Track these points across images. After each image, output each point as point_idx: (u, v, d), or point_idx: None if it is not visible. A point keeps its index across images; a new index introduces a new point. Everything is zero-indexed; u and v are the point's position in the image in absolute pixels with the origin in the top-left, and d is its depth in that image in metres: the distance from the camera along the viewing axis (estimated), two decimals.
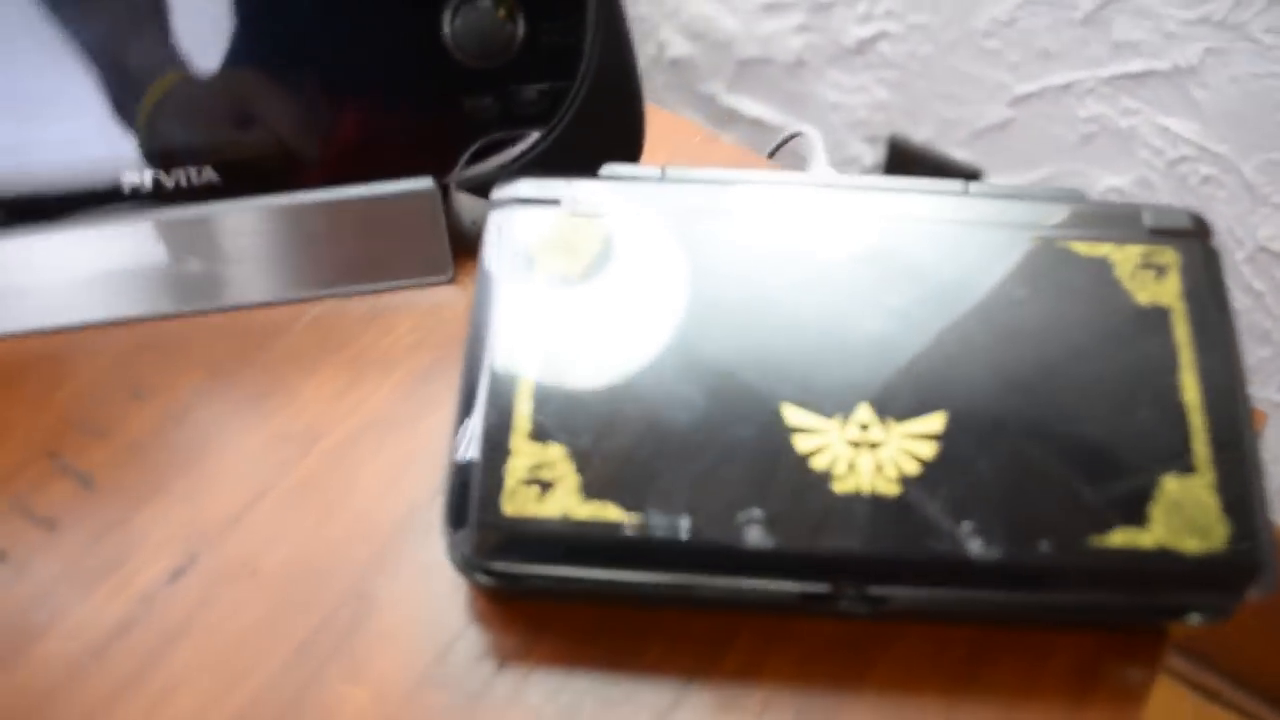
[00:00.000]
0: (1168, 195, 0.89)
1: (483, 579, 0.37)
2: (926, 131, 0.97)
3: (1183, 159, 0.86)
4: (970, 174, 0.41)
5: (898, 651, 0.38)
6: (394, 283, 0.46)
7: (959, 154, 0.95)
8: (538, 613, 0.38)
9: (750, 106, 1.06)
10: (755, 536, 0.34)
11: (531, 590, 0.38)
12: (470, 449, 0.36)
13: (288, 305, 0.46)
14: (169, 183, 0.44)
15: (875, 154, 1.01)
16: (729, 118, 1.07)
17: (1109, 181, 0.91)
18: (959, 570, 0.34)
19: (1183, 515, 0.35)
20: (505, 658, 0.38)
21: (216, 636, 0.38)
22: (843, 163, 1.03)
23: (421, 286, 0.46)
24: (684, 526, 0.35)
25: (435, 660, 0.38)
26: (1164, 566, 0.34)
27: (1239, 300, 0.92)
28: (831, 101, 1.00)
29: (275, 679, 0.37)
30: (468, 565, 0.36)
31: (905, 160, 0.96)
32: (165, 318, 0.46)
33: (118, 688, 0.37)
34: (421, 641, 0.38)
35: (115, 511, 0.41)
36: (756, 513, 0.35)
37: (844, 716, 0.37)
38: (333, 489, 0.41)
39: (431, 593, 0.39)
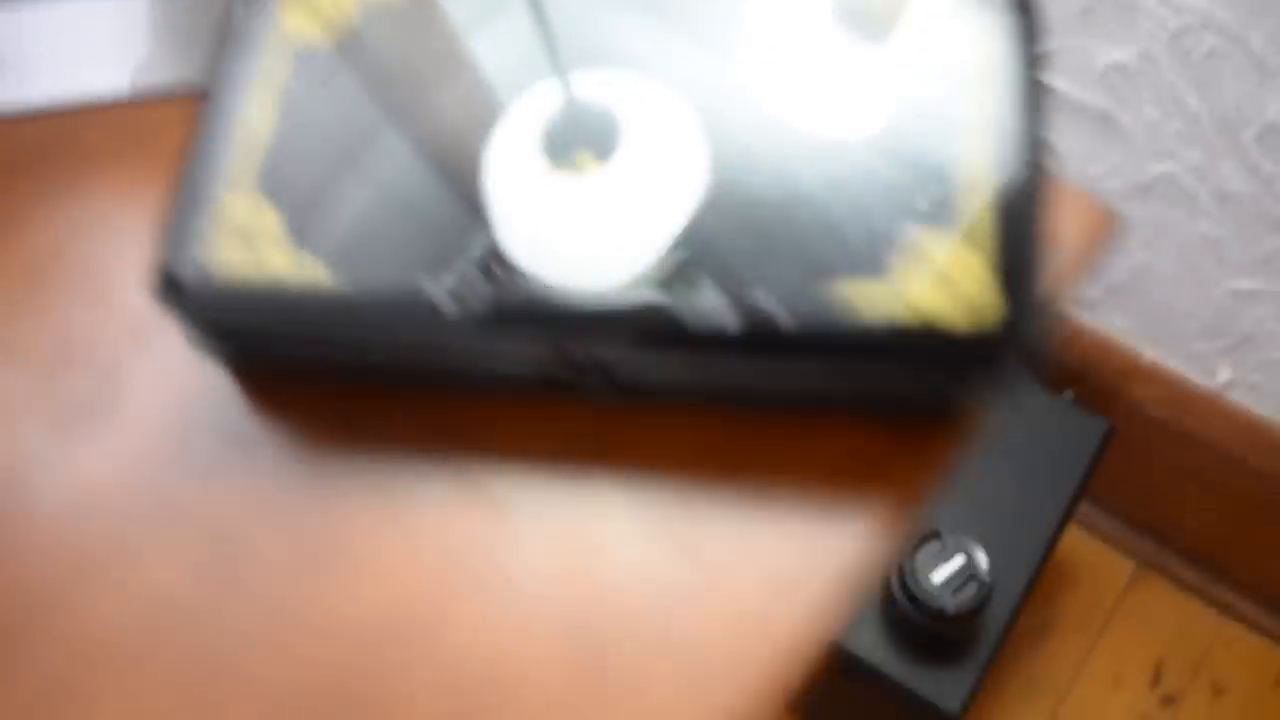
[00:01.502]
0: (1171, 70, 0.83)
1: (205, 346, 0.35)
2: None
3: (1186, 29, 0.80)
4: None
5: (645, 434, 0.35)
6: None
7: None
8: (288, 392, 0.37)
9: None
10: (451, 290, 0.32)
11: (268, 364, 0.36)
12: (182, 196, 0.34)
13: None
14: None
15: None
16: None
17: (1111, 55, 0.85)
18: (667, 328, 0.31)
19: (928, 264, 0.31)
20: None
21: None
22: None
23: None
24: (384, 282, 0.32)
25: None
26: (900, 323, 0.30)
27: (1244, 184, 0.85)
28: None
29: None
30: (182, 323, 0.34)
31: None
32: None
33: None
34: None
35: None
36: (466, 268, 0.32)
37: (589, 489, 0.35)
38: None
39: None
